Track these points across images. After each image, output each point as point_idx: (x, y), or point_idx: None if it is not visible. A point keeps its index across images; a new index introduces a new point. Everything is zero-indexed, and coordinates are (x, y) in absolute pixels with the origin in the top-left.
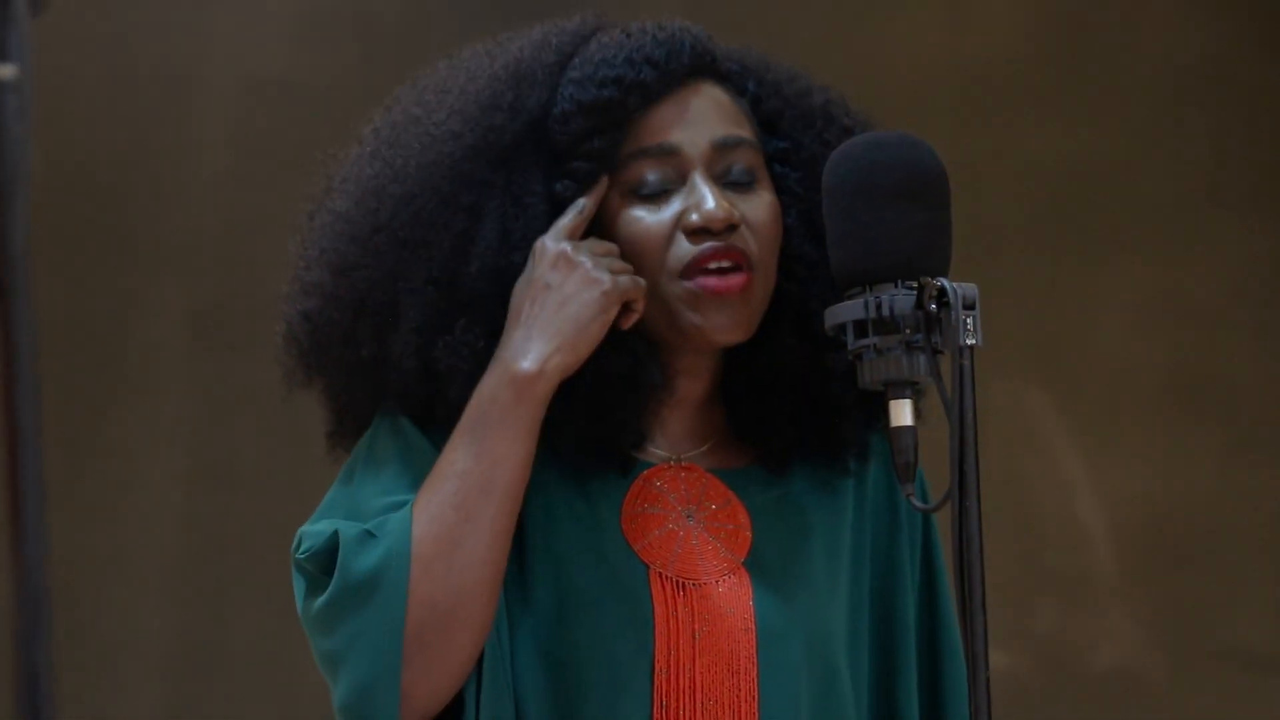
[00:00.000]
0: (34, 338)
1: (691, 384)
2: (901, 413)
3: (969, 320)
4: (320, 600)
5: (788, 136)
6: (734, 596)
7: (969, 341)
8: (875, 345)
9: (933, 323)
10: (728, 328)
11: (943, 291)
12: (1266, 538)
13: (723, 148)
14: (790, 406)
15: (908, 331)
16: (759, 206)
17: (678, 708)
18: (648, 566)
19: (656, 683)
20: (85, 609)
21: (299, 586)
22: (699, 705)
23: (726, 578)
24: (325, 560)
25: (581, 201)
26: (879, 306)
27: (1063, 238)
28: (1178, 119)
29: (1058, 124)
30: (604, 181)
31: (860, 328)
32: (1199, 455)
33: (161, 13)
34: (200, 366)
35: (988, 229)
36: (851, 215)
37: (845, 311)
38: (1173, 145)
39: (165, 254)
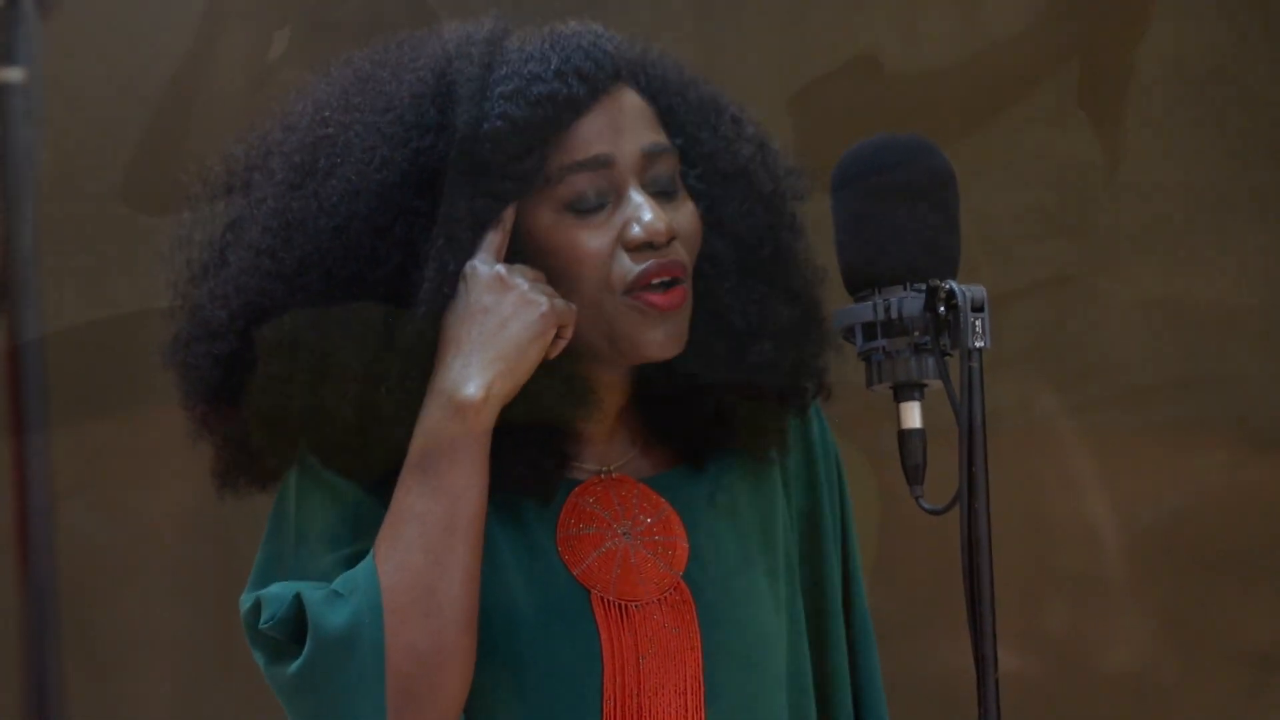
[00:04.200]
0: (40, 336)
1: (613, 396)
2: (910, 415)
3: (978, 322)
4: (296, 665)
5: (682, 132)
6: (677, 615)
7: (978, 344)
8: (884, 348)
9: (941, 325)
10: (666, 344)
11: (951, 294)
12: (1278, 538)
13: (651, 155)
14: (712, 403)
15: (916, 334)
16: (685, 215)
17: None
18: (589, 591)
19: (606, 710)
20: (96, 609)
21: (261, 655)
22: None
23: (669, 594)
24: (293, 627)
25: (503, 216)
26: (888, 309)
27: (1073, 239)
28: (1190, 119)
29: (1068, 124)
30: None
31: (869, 330)
32: (1210, 456)
33: (170, 11)
34: None
35: (997, 230)
36: (860, 217)
37: (854, 314)
38: (1185, 146)
39: None
